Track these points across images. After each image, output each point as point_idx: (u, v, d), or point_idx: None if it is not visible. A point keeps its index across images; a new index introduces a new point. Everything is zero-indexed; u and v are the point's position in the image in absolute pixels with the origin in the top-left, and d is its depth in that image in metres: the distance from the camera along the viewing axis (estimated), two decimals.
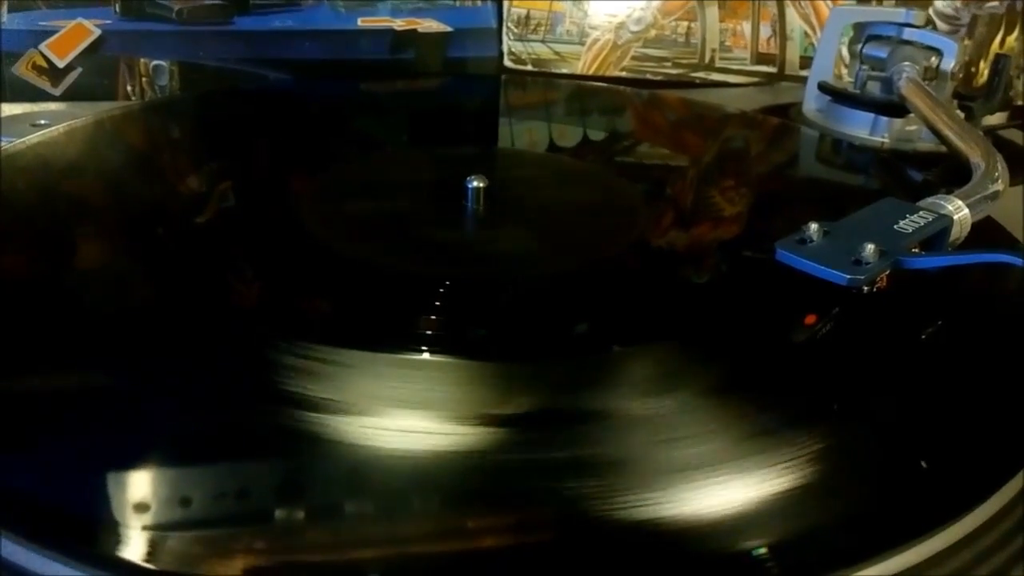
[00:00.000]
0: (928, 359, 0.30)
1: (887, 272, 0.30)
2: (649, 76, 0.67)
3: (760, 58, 0.68)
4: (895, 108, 0.50)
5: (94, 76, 0.58)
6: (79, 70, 0.57)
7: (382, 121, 0.56)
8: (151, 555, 0.20)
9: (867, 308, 0.31)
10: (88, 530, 0.21)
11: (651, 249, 0.38)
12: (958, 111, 0.49)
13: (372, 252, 0.35)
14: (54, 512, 0.21)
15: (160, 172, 0.44)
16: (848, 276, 0.29)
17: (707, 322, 0.31)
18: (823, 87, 0.55)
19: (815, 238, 0.31)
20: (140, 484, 0.22)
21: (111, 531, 0.21)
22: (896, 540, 0.21)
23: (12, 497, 0.21)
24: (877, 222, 0.32)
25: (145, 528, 0.21)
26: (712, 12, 0.67)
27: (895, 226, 0.32)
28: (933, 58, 0.50)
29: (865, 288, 0.30)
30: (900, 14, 0.52)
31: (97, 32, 0.57)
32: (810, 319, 0.30)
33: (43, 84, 0.57)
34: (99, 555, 0.20)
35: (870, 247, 0.30)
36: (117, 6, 0.58)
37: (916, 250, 0.32)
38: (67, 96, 0.57)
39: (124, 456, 0.23)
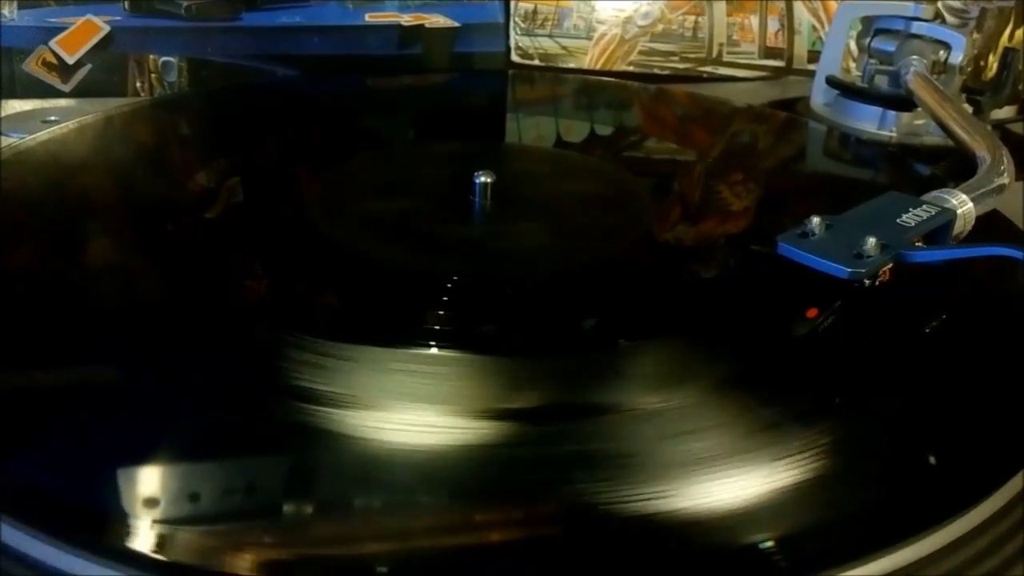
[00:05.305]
0: (932, 354, 0.30)
1: (890, 266, 0.30)
2: (656, 71, 0.67)
3: (768, 52, 0.68)
4: (903, 102, 0.50)
5: (103, 72, 0.58)
6: (88, 66, 0.58)
7: (389, 117, 0.56)
8: (161, 547, 0.20)
9: (872, 302, 0.31)
10: (98, 522, 0.21)
11: (659, 244, 0.38)
12: (966, 105, 0.49)
13: (380, 248, 0.35)
14: (62, 503, 0.22)
15: (169, 168, 0.44)
16: (849, 269, 0.29)
17: (714, 317, 0.31)
18: (831, 81, 0.55)
19: (817, 231, 0.31)
20: (150, 477, 0.23)
21: (120, 523, 0.21)
22: (899, 536, 0.22)
23: (21, 489, 0.22)
24: (880, 216, 0.32)
25: (155, 521, 0.21)
26: (719, 6, 0.67)
27: (898, 220, 0.32)
28: (941, 52, 0.50)
29: (867, 282, 0.30)
30: (908, 8, 0.51)
31: (106, 28, 0.58)
32: (811, 313, 0.30)
33: (53, 80, 0.57)
34: (108, 546, 0.20)
35: (871, 241, 0.30)
36: (126, 3, 0.58)
37: (919, 244, 0.32)
38: (77, 92, 0.58)
39: (134, 450, 0.23)
